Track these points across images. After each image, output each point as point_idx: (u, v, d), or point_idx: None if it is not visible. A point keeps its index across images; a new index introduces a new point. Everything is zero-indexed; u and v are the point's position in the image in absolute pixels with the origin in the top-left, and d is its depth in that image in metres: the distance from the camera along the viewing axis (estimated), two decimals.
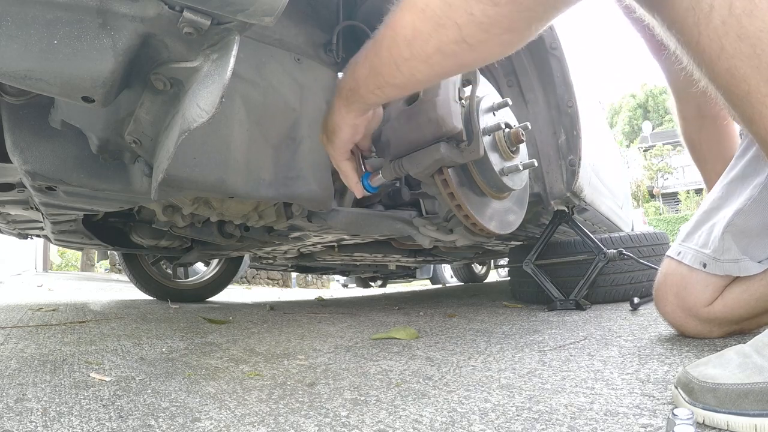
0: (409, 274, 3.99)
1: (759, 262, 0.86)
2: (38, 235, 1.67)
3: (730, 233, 0.87)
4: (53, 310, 1.86)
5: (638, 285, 1.71)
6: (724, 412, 0.51)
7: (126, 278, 2.53)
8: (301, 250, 1.99)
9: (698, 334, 0.93)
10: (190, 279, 2.60)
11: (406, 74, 0.60)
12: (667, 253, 0.98)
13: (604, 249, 1.62)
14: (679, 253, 0.94)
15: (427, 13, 0.54)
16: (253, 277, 7.80)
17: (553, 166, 1.53)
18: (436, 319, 1.57)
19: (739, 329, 0.93)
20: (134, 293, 2.70)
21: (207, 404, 0.69)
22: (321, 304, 2.56)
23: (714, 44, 0.49)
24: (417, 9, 0.55)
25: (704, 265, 0.89)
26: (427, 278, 6.26)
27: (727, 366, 0.55)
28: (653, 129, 28.95)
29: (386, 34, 0.60)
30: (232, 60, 0.52)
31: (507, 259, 2.65)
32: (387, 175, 0.92)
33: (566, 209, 1.75)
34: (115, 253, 2.40)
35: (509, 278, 2.35)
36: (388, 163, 0.91)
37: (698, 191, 19.97)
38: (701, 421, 0.52)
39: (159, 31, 0.50)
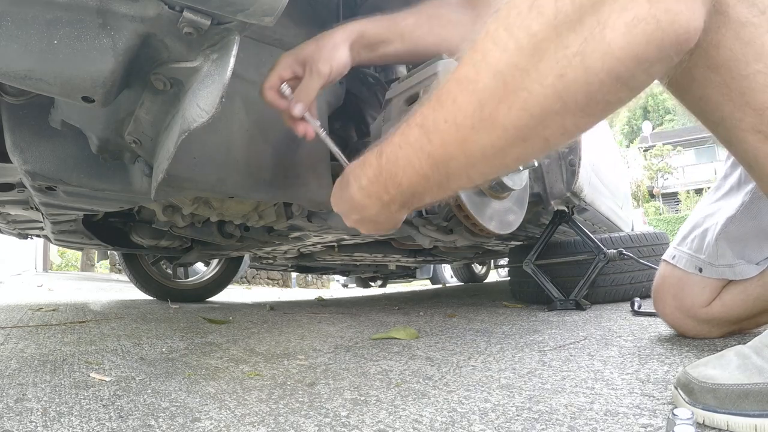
0: (409, 274, 3.99)
1: (756, 264, 0.86)
2: (38, 235, 1.67)
3: (724, 239, 0.87)
4: (53, 310, 1.86)
5: (638, 285, 1.71)
6: (724, 413, 0.51)
7: (126, 278, 2.53)
8: (301, 250, 2.00)
9: (697, 335, 0.93)
10: (190, 279, 2.60)
11: (477, 181, 0.56)
12: (663, 257, 0.98)
13: (604, 249, 1.62)
14: (674, 256, 0.95)
15: (513, 133, 0.47)
16: (253, 277, 7.80)
17: (553, 166, 1.53)
18: (436, 319, 1.57)
19: (737, 329, 0.93)
20: (134, 293, 2.70)
21: (207, 404, 0.69)
22: (321, 304, 2.56)
23: (684, 75, 0.50)
24: (497, 129, 0.47)
25: (700, 270, 0.90)
26: (427, 278, 6.25)
27: (727, 367, 0.55)
28: (653, 129, 28.94)
29: (453, 154, 0.51)
30: (232, 60, 0.52)
31: (507, 259, 2.65)
32: None
33: (566, 209, 1.75)
34: (115, 253, 2.40)
35: (509, 278, 2.35)
36: None
37: (698, 191, 19.99)
38: (701, 422, 0.52)
39: (159, 31, 0.50)
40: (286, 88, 0.76)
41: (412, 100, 0.89)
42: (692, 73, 0.49)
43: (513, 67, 0.45)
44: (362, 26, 0.83)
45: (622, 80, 0.42)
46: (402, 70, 1.16)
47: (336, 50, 0.78)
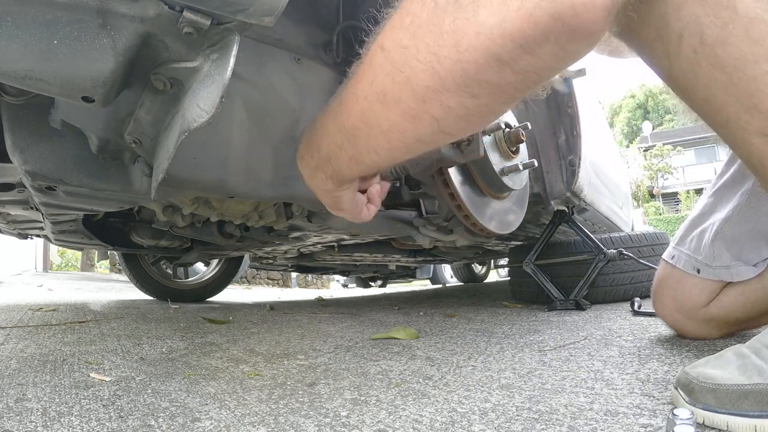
0: (409, 274, 3.99)
1: (754, 265, 0.85)
2: (38, 235, 1.67)
3: (720, 240, 0.87)
4: (53, 310, 1.86)
5: (638, 285, 1.71)
6: (724, 413, 0.51)
7: (126, 278, 2.53)
8: (301, 250, 1.99)
9: (697, 335, 0.93)
10: (190, 279, 2.60)
11: (386, 158, 0.57)
12: (662, 257, 0.98)
13: (604, 249, 1.62)
14: (673, 256, 0.94)
15: (402, 107, 0.48)
16: (253, 277, 7.80)
17: (553, 166, 1.53)
18: (436, 319, 1.57)
19: (737, 330, 0.93)
20: (134, 293, 2.70)
21: (207, 404, 0.69)
22: (321, 304, 2.56)
23: (687, 74, 0.48)
24: (389, 103, 0.49)
25: (698, 271, 0.89)
26: (427, 278, 6.26)
27: (727, 367, 0.55)
28: (653, 129, 28.96)
29: (357, 125, 0.54)
30: (232, 60, 0.52)
31: (507, 259, 2.65)
32: (387, 175, 0.92)
33: (566, 209, 1.75)
34: (115, 253, 2.40)
35: (509, 278, 2.35)
36: None
37: (698, 191, 19.97)
38: (701, 422, 0.52)
39: (159, 31, 0.50)
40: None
41: None
42: (696, 72, 0.47)
43: (397, 43, 0.47)
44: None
45: (501, 61, 0.42)
46: None
47: None
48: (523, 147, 1.09)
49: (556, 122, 1.48)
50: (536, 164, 1.02)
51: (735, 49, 0.44)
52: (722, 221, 0.87)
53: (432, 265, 5.69)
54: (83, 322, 1.54)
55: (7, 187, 0.99)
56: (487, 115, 0.50)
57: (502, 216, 1.13)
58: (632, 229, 2.96)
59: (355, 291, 5.46)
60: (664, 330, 1.06)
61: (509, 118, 1.08)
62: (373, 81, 0.50)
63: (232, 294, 3.57)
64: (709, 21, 0.42)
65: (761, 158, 0.48)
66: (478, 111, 0.48)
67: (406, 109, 0.48)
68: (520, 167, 1.03)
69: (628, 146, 26.83)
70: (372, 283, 4.52)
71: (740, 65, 0.44)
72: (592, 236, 1.68)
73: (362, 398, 0.70)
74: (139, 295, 2.49)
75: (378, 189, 0.73)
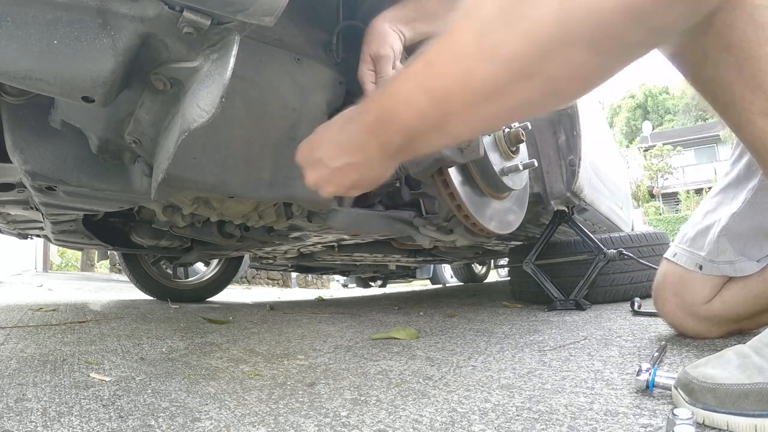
0: (409, 274, 3.99)
1: (756, 261, 0.86)
2: (38, 235, 1.67)
3: (725, 236, 0.87)
4: (53, 310, 1.86)
5: (638, 285, 1.71)
6: (724, 412, 0.51)
7: (126, 278, 2.53)
8: (301, 250, 1.99)
9: (697, 334, 0.93)
10: (190, 279, 2.60)
11: (478, 127, 0.53)
12: (665, 255, 0.98)
13: (604, 249, 1.62)
14: (675, 254, 0.95)
15: (516, 65, 0.43)
16: (253, 277, 7.80)
17: (553, 166, 1.53)
18: (436, 319, 1.57)
19: (737, 329, 0.93)
20: (134, 293, 2.70)
21: (207, 404, 0.69)
22: (321, 304, 2.56)
23: (698, 53, 0.50)
24: (502, 61, 0.43)
25: (700, 267, 0.90)
26: (427, 278, 6.25)
27: (727, 366, 0.55)
28: (653, 129, 28.96)
29: (452, 87, 0.47)
30: (232, 60, 0.52)
31: (507, 259, 2.64)
32: None
33: (566, 209, 1.75)
34: (115, 253, 2.40)
35: (509, 278, 2.35)
36: None
37: (698, 191, 19.98)
38: (701, 422, 0.52)
39: (159, 31, 0.50)
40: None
41: None
42: (705, 52, 0.50)
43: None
44: (392, 13, 0.93)
45: (639, 14, 0.38)
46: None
47: (386, 35, 0.90)
48: (523, 147, 1.09)
49: (556, 122, 1.48)
50: (536, 164, 1.02)
51: (740, 32, 0.47)
52: (729, 217, 0.87)
53: (432, 265, 5.69)
54: (83, 322, 1.54)
55: (7, 187, 0.99)
56: (604, 76, 0.45)
57: (502, 216, 1.13)
58: (632, 229, 2.96)
59: (355, 291, 5.46)
60: (664, 330, 1.06)
61: None
62: (483, 35, 0.44)
63: (232, 294, 3.57)
64: (719, 3, 0.45)
65: (764, 139, 0.50)
66: (598, 71, 0.44)
67: (520, 66, 0.43)
68: (520, 167, 1.03)
69: (628, 146, 26.82)
70: (372, 283, 4.52)
71: (745, 46, 0.47)
72: (592, 236, 1.68)
73: (362, 398, 0.70)
74: (139, 295, 2.49)
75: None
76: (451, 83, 0.47)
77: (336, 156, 0.61)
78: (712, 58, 0.50)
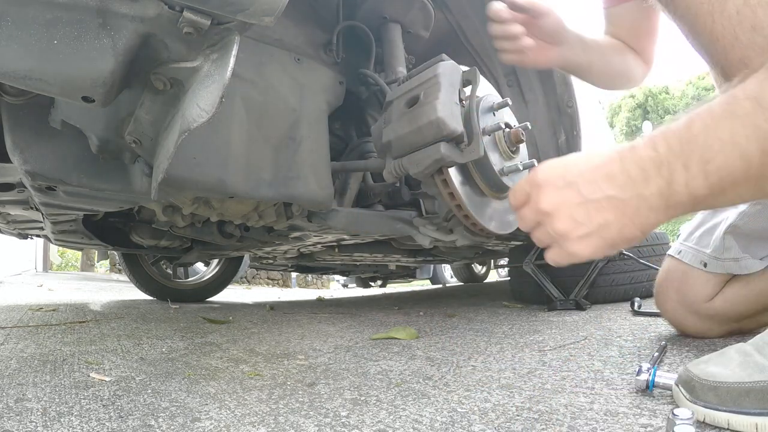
0: (409, 274, 3.98)
1: (760, 259, 0.86)
2: (38, 235, 1.67)
3: (731, 234, 0.87)
4: (53, 310, 1.86)
5: (638, 285, 1.71)
6: (725, 411, 0.51)
7: (126, 278, 2.52)
8: (301, 250, 1.99)
9: (698, 333, 0.93)
10: (190, 279, 2.60)
11: None
12: (668, 252, 0.98)
13: None
14: (680, 251, 0.95)
15: None
16: (253, 277, 7.80)
17: None
18: (436, 319, 1.57)
19: (738, 328, 0.93)
20: (134, 293, 2.70)
21: (207, 404, 0.69)
22: (321, 304, 2.56)
23: (727, 33, 0.49)
24: None
25: (704, 264, 0.90)
26: (427, 278, 6.25)
27: (729, 364, 0.55)
28: (653, 129, 28.92)
29: None
30: (232, 60, 0.52)
31: (507, 259, 2.64)
32: (388, 175, 0.92)
33: None
34: (115, 253, 2.40)
35: (509, 278, 2.35)
36: (389, 163, 0.91)
37: None
38: (702, 420, 0.52)
39: (159, 31, 0.50)
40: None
41: (413, 102, 0.89)
42: (735, 31, 0.49)
43: None
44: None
45: None
46: (402, 71, 1.16)
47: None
48: (523, 147, 1.09)
49: (556, 122, 1.48)
50: (536, 164, 1.02)
51: None
52: (738, 215, 0.87)
53: (432, 265, 5.68)
54: (83, 322, 1.54)
55: (7, 187, 0.99)
56: None
57: (502, 216, 1.13)
58: None
59: (355, 291, 5.46)
60: (664, 330, 1.06)
61: (509, 118, 1.08)
62: None
63: (232, 294, 3.57)
64: None
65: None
66: None
67: None
68: (520, 167, 1.03)
69: None
70: (372, 283, 4.52)
71: None
72: None
73: (362, 398, 0.70)
74: (139, 295, 2.49)
75: None
76: None
77: (596, 183, 0.48)
78: (742, 39, 0.49)
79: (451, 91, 0.87)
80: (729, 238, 0.87)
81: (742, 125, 0.42)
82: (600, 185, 0.48)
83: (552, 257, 0.54)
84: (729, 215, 0.89)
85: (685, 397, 0.55)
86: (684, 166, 0.44)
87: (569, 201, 0.49)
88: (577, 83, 1.48)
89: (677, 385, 0.57)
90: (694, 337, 0.94)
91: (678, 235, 1.01)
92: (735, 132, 0.42)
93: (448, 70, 0.88)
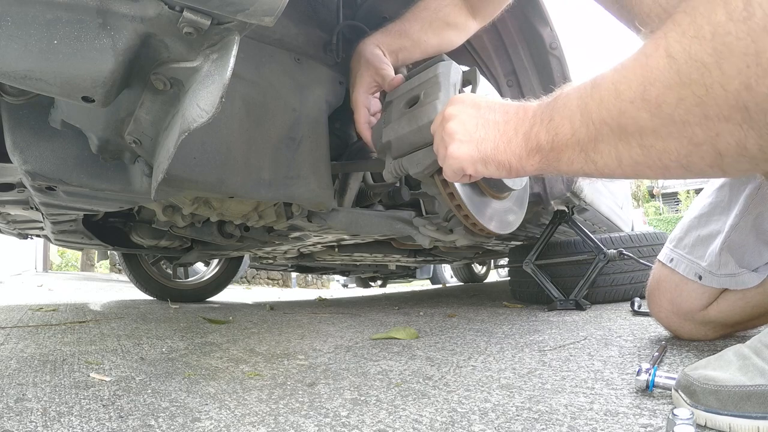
0: (409, 274, 3.99)
1: (755, 270, 0.84)
2: (38, 235, 1.67)
3: (727, 249, 0.85)
4: (53, 310, 1.86)
5: (638, 285, 1.71)
6: (726, 414, 0.51)
7: (126, 278, 2.53)
8: (301, 250, 1.99)
9: (693, 337, 0.93)
10: (190, 279, 2.60)
11: (627, 171, 0.50)
12: (658, 257, 0.96)
13: (604, 249, 1.62)
14: (672, 260, 0.92)
15: (683, 130, 0.41)
16: (253, 277, 7.80)
17: None
18: (436, 319, 1.57)
19: (734, 331, 0.93)
20: (134, 293, 2.70)
21: (207, 404, 0.69)
22: (321, 304, 2.56)
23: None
24: (665, 119, 0.42)
25: (699, 277, 0.88)
26: (427, 278, 6.26)
27: (728, 368, 0.55)
28: None
29: (607, 121, 0.47)
30: (232, 60, 0.52)
31: (507, 259, 2.64)
32: (388, 175, 0.92)
33: (566, 209, 1.75)
34: (115, 253, 2.40)
35: (509, 278, 2.35)
36: (389, 163, 0.92)
37: (698, 191, 19.85)
38: (703, 424, 0.52)
39: (159, 31, 0.50)
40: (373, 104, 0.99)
41: (413, 102, 0.90)
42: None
43: (690, 56, 0.39)
44: (379, 38, 0.98)
45: None
46: (402, 71, 1.16)
47: (381, 60, 0.95)
48: None
49: None
50: None
51: None
52: (730, 229, 0.85)
53: (432, 265, 5.69)
54: (83, 322, 1.54)
55: (7, 187, 0.99)
56: None
57: (502, 216, 1.13)
58: (632, 229, 2.96)
59: (355, 291, 5.46)
60: (664, 330, 1.06)
61: None
62: (647, 86, 0.43)
63: (232, 294, 3.57)
64: None
65: None
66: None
67: (688, 133, 0.41)
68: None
69: None
70: (372, 283, 4.52)
71: None
72: (592, 236, 1.68)
73: (362, 398, 0.70)
74: (139, 295, 2.49)
75: None
76: (606, 115, 0.48)
77: (493, 109, 0.63)
78: None
79: (451, 91, 0.87)
80: (726, 255, 0.85)
81: (578, 96, 0.52)
82: (495, 110, 0.63)
83: (441, 162, 0.69)
84: (722, 228, 0.87)
85: (686, 401, 0.55)
86: (541, 120, 0.56)
87: (467, 113, 0.64)
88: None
89: (676, 390, 0.57)
90: (689, 340, 0.94)
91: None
92: (571, 102, 0.52)
93: (448, 70, 0.88)
